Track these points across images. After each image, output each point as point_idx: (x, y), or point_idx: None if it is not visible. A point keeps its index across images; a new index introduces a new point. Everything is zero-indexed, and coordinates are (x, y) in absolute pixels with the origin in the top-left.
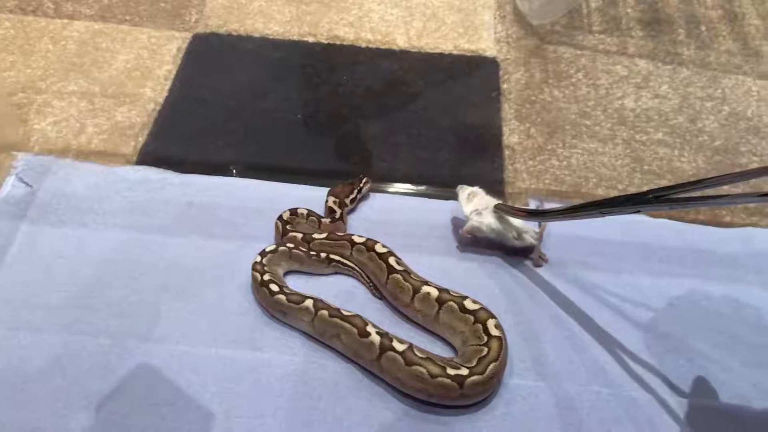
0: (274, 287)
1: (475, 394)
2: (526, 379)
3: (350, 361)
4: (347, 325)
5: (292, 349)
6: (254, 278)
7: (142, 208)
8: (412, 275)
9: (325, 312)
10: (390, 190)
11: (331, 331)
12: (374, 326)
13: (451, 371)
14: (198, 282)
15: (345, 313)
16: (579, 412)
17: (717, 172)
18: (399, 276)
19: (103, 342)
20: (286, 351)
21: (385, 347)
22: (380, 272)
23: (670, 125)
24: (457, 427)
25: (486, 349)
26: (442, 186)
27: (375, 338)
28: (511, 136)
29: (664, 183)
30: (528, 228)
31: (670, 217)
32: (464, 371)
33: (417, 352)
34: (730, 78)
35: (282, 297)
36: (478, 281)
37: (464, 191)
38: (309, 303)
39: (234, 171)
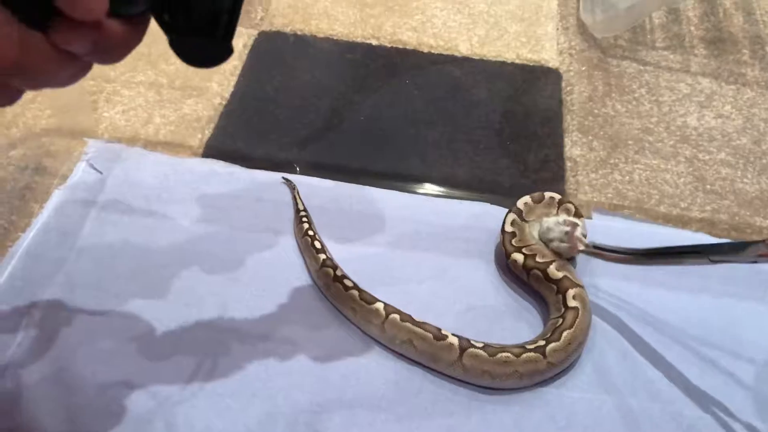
0: (348, 282)
1: (559, 361)
2: (587, 392)
3: (422, 366)
4: (420, 330)
5: (347, 352)
6: (326, 273)
7: (210, 200)
8: (512, 242)
9: (396, 316)
10: (451, 195)
11: (402, 336)
12: (446, 330)
13: (530, 346)
14: (268, 277)
15: (416, 319)
16: (641, 428)
17: None
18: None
19: (171, 330)
20: (339, 358)
21: (464, 347)
22: None
23: (733, 146)
24: None
25: (561, 320)
26: (504, 194)
27: (453, 339)
28: (573, 148)
29: (726, 203)
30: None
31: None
32: (542, 342)
33: (494, 345)
34: None
35: (355, 293)
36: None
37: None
38: (380, 305)
39: (297, 169)
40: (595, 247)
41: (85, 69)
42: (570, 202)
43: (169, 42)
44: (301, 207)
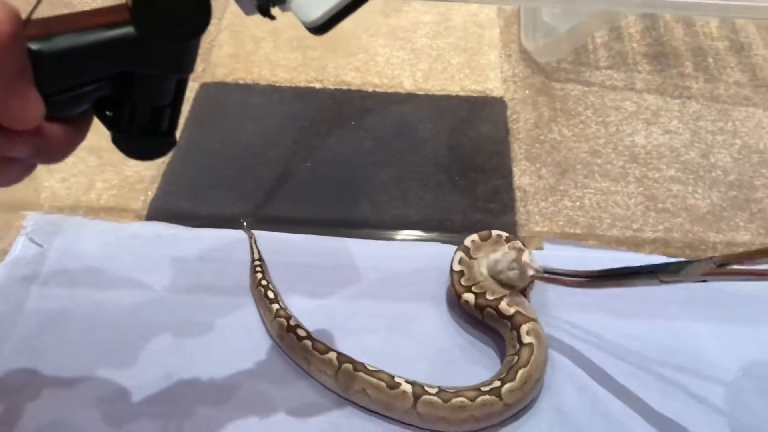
0: (301, 332)
1: (515, 401)
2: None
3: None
4: (373, 379)
5: (318, 408)
6: (280, 324)
7: (153, 265)
8: (461, 281)
9: (349, 366)
10: (402, 237)
11: (356, 386)
12: (400, 377)
13: (485, 388)
14: (210, 341)
15: (369, 367)
16: None
17: (732, 209)
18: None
19: (115, 406)
20: (313, 412)
21: (418, 394)
22: None
23: (682, 161)
24: None
25: (516, 358)
26: (455, 231)
27: (406, 387)
28: (522, 177)
29: (679, 221)
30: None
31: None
32: (497, 383)
33: (449, 390)
34: (740, 110)
35: (308, 343)
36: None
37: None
38: (333, 355)
39: (245, 224)
40: (546, 271)
41: (29, 170)
42: (517, 239)
43: (111, 138)
44: (256, 256)
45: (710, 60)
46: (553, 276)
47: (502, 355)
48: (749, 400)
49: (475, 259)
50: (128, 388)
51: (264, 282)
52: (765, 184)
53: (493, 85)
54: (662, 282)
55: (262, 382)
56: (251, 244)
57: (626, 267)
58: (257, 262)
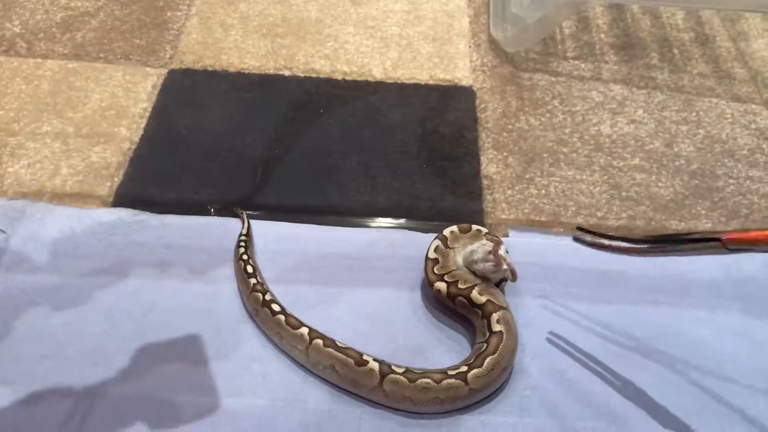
0: (276, 307)
1: (481, 387)
2: (509, 415)
3: (348, 393)
4: (342, 356)
5: (268, 393)
6: (255, 299)
7: (118, 251)
8: (434, 270)
9: (319, 341)
10: (370, 224)
11: (325, 362)
12: (368, 355)
13: (452, 372)
14: (176, 327)
15: (339, 344)
16: None
17: (694, 197)
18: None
19: (77, 393)
20: (263, 395)
21: (385, 372)
22: None
23: (646, 150)
24: None
25: (485, 345)
26: (423, 218)
27: (374, 365)
28: (489, 165)
29: (642, 209)
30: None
31: None
32: (464, 368)
33: (416, 371)
34: (704, 101)
35: (282, 318)
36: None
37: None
38: (304, 330)
39: (212, 210)
40: (586, 231)
41: None
42: (496, 236)
43: None
44: (244, 232)
45: (676, 51)
46: (597, 242)
47: (473, 342)
48: (707, 382)
49: (452, 249)
50: (88, 373)
51: (245, 257)
52: (726, 173)
53: (462, 74)
54: (729, 251)
55: (218, 364)
56: (243, 219)
57: (687, 233)
58: (243, 237)
